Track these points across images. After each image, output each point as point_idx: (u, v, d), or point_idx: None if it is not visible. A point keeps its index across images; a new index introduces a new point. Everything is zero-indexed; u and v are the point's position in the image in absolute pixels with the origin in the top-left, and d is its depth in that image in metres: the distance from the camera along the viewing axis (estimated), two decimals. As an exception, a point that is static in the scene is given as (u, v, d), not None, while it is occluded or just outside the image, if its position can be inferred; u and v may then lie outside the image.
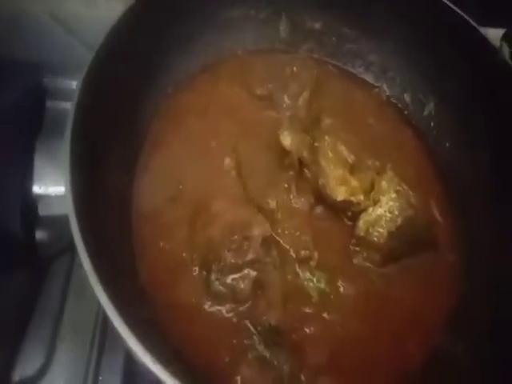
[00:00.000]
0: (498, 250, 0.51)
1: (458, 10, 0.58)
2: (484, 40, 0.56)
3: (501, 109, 0.54)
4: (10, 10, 0.70)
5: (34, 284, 0.55)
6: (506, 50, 0.54)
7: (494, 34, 0.57)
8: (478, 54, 0.56)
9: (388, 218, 0.50)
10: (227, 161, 0.57)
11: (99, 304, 0.57)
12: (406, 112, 0.67)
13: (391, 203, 0.50)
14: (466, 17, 0.57)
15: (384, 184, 0.51)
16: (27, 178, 0.42)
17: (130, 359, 0.54)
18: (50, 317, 0.56)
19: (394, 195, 0.50)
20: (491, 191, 0.55)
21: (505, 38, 0.56)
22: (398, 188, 0.51)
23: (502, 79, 0.54)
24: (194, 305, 0.47)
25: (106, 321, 0.56)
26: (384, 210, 0.50)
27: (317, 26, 0.69)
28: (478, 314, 0.49)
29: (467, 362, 0.45)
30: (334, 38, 0.70)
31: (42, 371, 0.52)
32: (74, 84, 0.77)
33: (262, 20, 0.69)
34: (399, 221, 0.50)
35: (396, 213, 0.50)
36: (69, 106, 0.44)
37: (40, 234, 0.50)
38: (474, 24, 0.57)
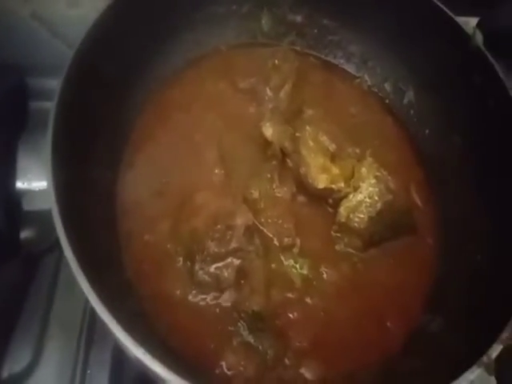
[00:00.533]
0: (472, 232, 0.53)
1: (435, 1, 0.59)
2: (459, 28, 0.57)
3: (474, 92, 0.56)
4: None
5: (21, 281, 0.56)
6: (479, 37, 0.55)
7: (468, 23, 0.58)
8: (453, 41, 0.58)
9: (368, 204, 0.51)
10: (211, 153, 0.58)
11: (86, 301, 0.58)
12: (387, 101, 0.68)
13: (371, 189, 0.51)
14: (442, 6, 0.59)
15: (364, 170, 0.52)
16: (10, 174, 0.43)
17: (117, 354, 0.55)
18: (37, 314, 0.56)
19: (373, 181, 0.51)
20: (467, 176, 0.56)
21: (478, 25, 0.58)
22: (377, 174, 0.52)
23: (476, 64, 0.55)
24: (179, 295, 0.48)
25: (93, 317, 0.57)
26: (364, 196, 0.51)
27: (298, 18, 0.70)
28: (454, 291, 0.50)
29: (445, 336, 0.46)
30: (315, 30, 0.71)
31: (31, 368, 0.53)
32: (55, 83, 0.78)
33: (244, 14, 0.69)
34: (379, 206, 0.51)
35: (376, 198, 0.51)
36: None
37: (26, 232, 0.51)
38: (450, 13, 0.58)
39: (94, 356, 0.54)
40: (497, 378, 0.41)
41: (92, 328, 0.56)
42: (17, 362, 0.53)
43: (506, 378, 0.42)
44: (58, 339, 0.55)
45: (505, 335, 0.37)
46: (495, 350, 0.37)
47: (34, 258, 0.56)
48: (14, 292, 0.54)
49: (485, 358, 0.36)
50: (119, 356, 0.54)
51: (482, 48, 0.55)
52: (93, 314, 0.57)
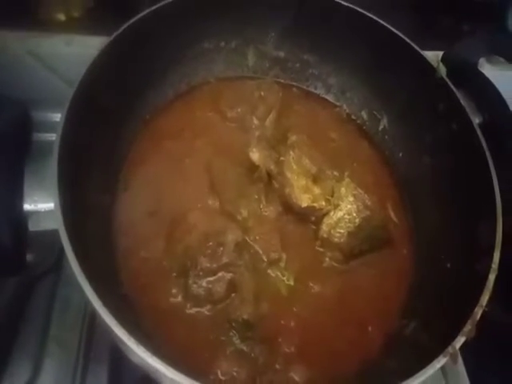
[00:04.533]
0: (443, 242, 0.57)
1: (404, 37, 0.65)
2: (425, 61, 0.63)
3: (440, 118, 0.61)
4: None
5: (21, 300, 0.59)
6: (442, 69, 0.61)
7: (432, 56, 0.64)
8: (420, 73, 0.64)
9: (347, 220, 0.55)
10: (202, 177, 0.62)
11: (83, 319, 0.61)
12: (364, 127, 0.73)
13: (349, 206, 0.56)
14: (410, 42, 0.64)
15: (343, 190, 0.57)
16: (18, 196, 0.47)
17: (114, 370, 0.58)
18: (36, 332, 0.59)
19: (351, 199, 0.56)
20: (437, 193, 0.62)
21: (442, 59, 0.64)
22: (355, 192, 0.56)
23: (440, 92, 0.61)
24: (173, 308, 0.52)
25: (90, 335, 0.60)
26: (343, 213, 0.56)
27: (281, 54, 0.76)
28: (426, 297, 0.55)
29: (419, 338, 0.50)
30: (297, 65, 0.76)
31: (30, 384, 0.55)
32: (56, 116, 0.82)
33: (232, 50, 0.75)
34: (357, 221, 0.55)
35: (354, 214, 0.55)
36: (53, 137, 0.48)
37: (28, 255, 0.54)
38: (418, 48, 0.64)
39: (91, 372, 0.57)
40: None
41: (89, 345, 0.59)
42: (16, 378, 0.55)
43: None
44: (56, 356, 0.58)
45: (467, 328, 0.42)
46: (459, 342, 0.41)
47: (34, 278, 0.59)
48: (14, 310, 0.56)
49: (450, 349, 0.41)
50: (116, 371, 0.57)
51: (446, 78, 0.61)
52: (90, 332, 0.60)
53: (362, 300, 0.55)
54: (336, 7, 0.67)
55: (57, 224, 0.43)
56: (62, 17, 0.86)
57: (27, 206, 0.47)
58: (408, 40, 0.65)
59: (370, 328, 0.53)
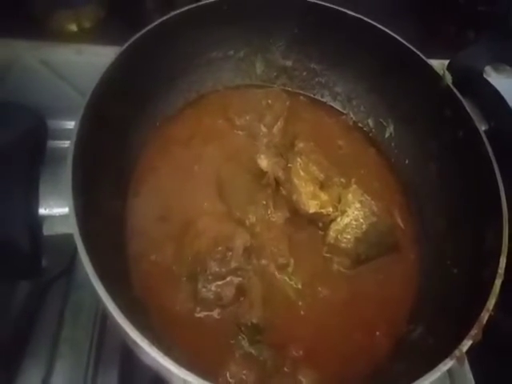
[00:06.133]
0: (450, 248, 0.58)
1: (410, 46, 0.66)
2: (430, 69, 0.64)
3: (446, 126, 0.62)
4: (3, 57, 0.76)
5: (34, 303, 0.60)
6: (448, 77, 0.62)
7: (438, 65, 0.65)
8: (426, 81, 0.65)
9: (354, 226, 0.56)
10: (211, 183, 0.63)
11: (94, 323, 0.62)
12: (370, 134, 0.74)
13: (356, 212, 0.56)
14: (416, 51, 0.65)
15: (350, 196, 0.58)
16: (34, 201, 0.48)
17: (124, 371, 0.59)
18: (48, 335, 0.61)
19: (358, 205, 0.57)
20: (443, 200, 0.62)
21: (448, 67, 0.65)
22: (362, 199, 0.57)
23: (446, 100, 0.62)
24: (183, 311, 0.52)
25: (101, 338, 0.62)
26: (350, 219, 0.56)
27: (288, 63, 0.77)
28: (433, 302, 0.55)
29: (426, 342, 0.51)
30: (304, 73, 0.78)
31: (42, 387, 0.56)
32: (68, 124, 0.83)
33: (240, 59, 0.76)
34: (364, 227, 0.56)
35: (361, 220, 0.56)
36: (65, 144, 0.49)
37: (42, 259, 0.55)
38: (423, 56, 0.65)
39: (102, 373, 0.58)
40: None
41: (100, 347, 0.60)
42: (29, 378, 0.56)
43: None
44: (68, 358, 0.59)
45: (473, 332, 0.42)
46: (465, 345, 0.42)
47: (47, 281, 0.60)
48: (28, 312, 0.58)
49: (457, 352, 0.41)
50: (126, 373, 0.58)
51: (451, 86, 0.62)
52: (101, 334, 0.61)
53: (369, 305, 0.56)
54: (342, 17, 0.68)
55: (71, 228, 0.44)
56: (73, 27, 0.88)
57: (42, 211, 0.48)
58: (413, 49, 0.66)
59: (377, 333, 0.54)
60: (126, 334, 0.38)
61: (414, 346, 0.52)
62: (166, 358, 0.38)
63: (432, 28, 0.97)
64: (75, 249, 0.43)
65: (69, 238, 0.45)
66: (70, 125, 0.51)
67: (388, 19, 0.69)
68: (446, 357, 0.41)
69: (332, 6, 0.68)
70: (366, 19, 0.68)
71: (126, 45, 0.59)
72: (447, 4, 0.97)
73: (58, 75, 0.82)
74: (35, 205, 0.47)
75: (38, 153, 0.55)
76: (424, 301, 0.56)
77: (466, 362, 0.42)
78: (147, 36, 0.61)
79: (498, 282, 0.46)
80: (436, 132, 0.64)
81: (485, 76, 0.65)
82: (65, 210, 0.47)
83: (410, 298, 0.57)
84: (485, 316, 0.44)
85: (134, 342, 0.38)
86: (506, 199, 0.51)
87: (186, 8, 0.64)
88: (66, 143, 0.50)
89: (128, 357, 0.59)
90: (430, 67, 0.64)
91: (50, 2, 0.83)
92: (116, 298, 0.41)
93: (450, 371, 0.63)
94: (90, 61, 0.79)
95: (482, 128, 0.59)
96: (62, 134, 0.64)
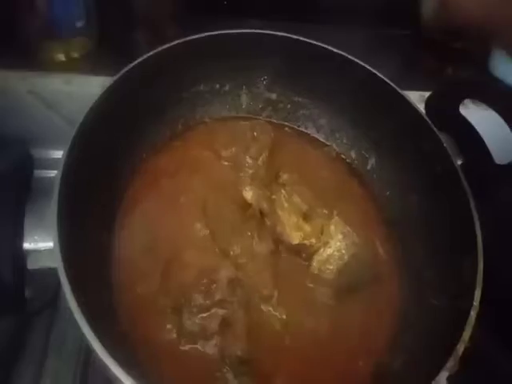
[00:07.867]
0: (428, 279, 0.60)
1: (388, 81, 0.68)
2: (409, 104, 0.66)
3: (425, 160, 0.65)
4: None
5: (18, 336, 0.59)
6: (424, 111, 0.65)
7: (416, 97, 0.68)
8: (402, 114, 0.67)
9: (336, 257, 0.58)
10: (196, 214, 0.64)
11: (79, 355, 0.62)
12: (353, 166, 0.76)
13: (338, 243, 0.58)
14: (394, 86, 0.68)
15: (332, 228, 0.59)
16: (19, 235, 0.48)
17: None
18: (32, 367, 0.60)
19: (340, 236, 0.58)
20: (423, 231, 0.64)
21: (426, 103, 0.67)
22: (344, 230, 0.59)
23: (424, 136, 0.64)
24: (168, 344, 0.53)
25: (85, 368, 0.61)
26: (333, 250, 0.58)
27: (273, 96, 0.79)
28: (414, 332, 0.56)
29: (405, 372, 0.51)
30: (288, 106, 0.80)
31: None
32: (55, 153, 0.84)
33: (226, 93, 0.78)
34: (346, 258, 0.58)
35: (343, 251, 0.58)
36: (52, 174, 0.50)
37: (27, 291, 0.55)
38: (401, 92, 0.67)
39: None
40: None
41: (84, 381, 0.59)
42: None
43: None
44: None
45: (450, 364, 0.44)
46: (442, 377, 0.43)
47: (31, 314, 0.59)
48: (12, 346, 0.57)
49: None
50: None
51: (429, 122, 0.64)
52: (85, 365, 0.60)
53: (352, 335, 0.57)
54: (325, 53, 0.71)
55: (55, 263, 0.45)
56: (61, 57, 0.89)
57: (27, 245, 0.48)
58: (392, 84, 0.68)
59: (360, 362, 0.55)
60: (110, 370, 0.39)
61: (395, 375, 0.52)
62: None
63: (412, 63, 1.01)
64: (60, 282, 0.44)
65: (53, 270, 0.45)
66: (57, 154, 0.52)
67: (369, 55, 0.72)
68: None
69: (315, 42, 0.71)
70: (348, 56, 0.70)
71: (117, 76, 0.60)
72: (426, 41, 1.02)
73: (45, 105, 0.83)
74: (19, 240, 0.48)
75: (23, 185, 0.55)
76: (405, 331, 0.57)
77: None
78: (138, 68, 0.62)
79: (473, 314, 0.48)
80: (415, 165, 0.66)
81: (463, 108, 0.67)
82: (50, 244, 0.47)
83: (391, 328, 0.58)
84: (460, 348, 0.45)
85: (118, 380, 0.38)
86: (482, 233, 0.53)
87: (175, 42, 0.66)
88: (53, 173, 0.50)
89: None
90: (408, 102, 0.66)
91: (39, 32, 0.84)
92: (100, 334, 0.41)
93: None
94: (79, 91, 0.81)
95: (459, 162, 0.61)
96: (48, 164, 0.65)
